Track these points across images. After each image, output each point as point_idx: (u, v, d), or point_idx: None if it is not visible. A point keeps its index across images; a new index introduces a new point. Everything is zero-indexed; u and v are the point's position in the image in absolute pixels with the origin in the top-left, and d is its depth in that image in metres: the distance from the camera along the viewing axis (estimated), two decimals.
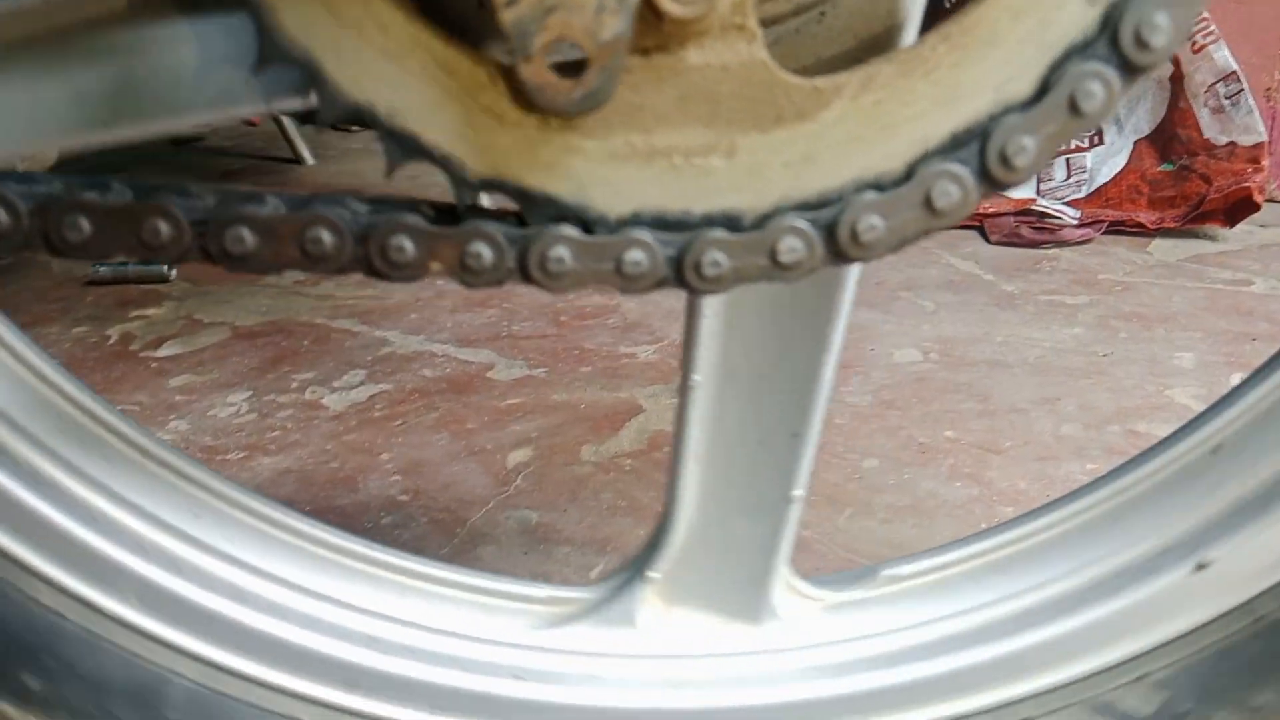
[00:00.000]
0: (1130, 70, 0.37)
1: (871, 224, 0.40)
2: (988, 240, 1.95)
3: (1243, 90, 1.98)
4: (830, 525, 1.12)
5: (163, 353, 1.59)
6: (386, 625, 0.59)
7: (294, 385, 1.46)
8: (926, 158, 0.39)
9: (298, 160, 2.60)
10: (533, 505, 1.20)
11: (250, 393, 1.44)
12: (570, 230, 0.40)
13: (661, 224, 0.41)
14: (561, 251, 0.40)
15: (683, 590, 0.61)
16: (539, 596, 0.61)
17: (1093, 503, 0.59)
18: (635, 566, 0.62)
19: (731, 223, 0.40)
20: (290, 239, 0.40)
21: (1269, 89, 2.09)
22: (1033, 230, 1.95)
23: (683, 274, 0.41)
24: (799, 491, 0.59)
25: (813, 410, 0.57)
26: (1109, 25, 0.37)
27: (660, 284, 0.41)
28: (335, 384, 1.47)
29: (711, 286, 0.41)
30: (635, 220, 0.41)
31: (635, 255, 0.40)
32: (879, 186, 0.40)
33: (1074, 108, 0.38)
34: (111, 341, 1.63)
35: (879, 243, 0.40)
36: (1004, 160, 0.39)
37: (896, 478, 1.19)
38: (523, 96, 0.37)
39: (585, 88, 0.37)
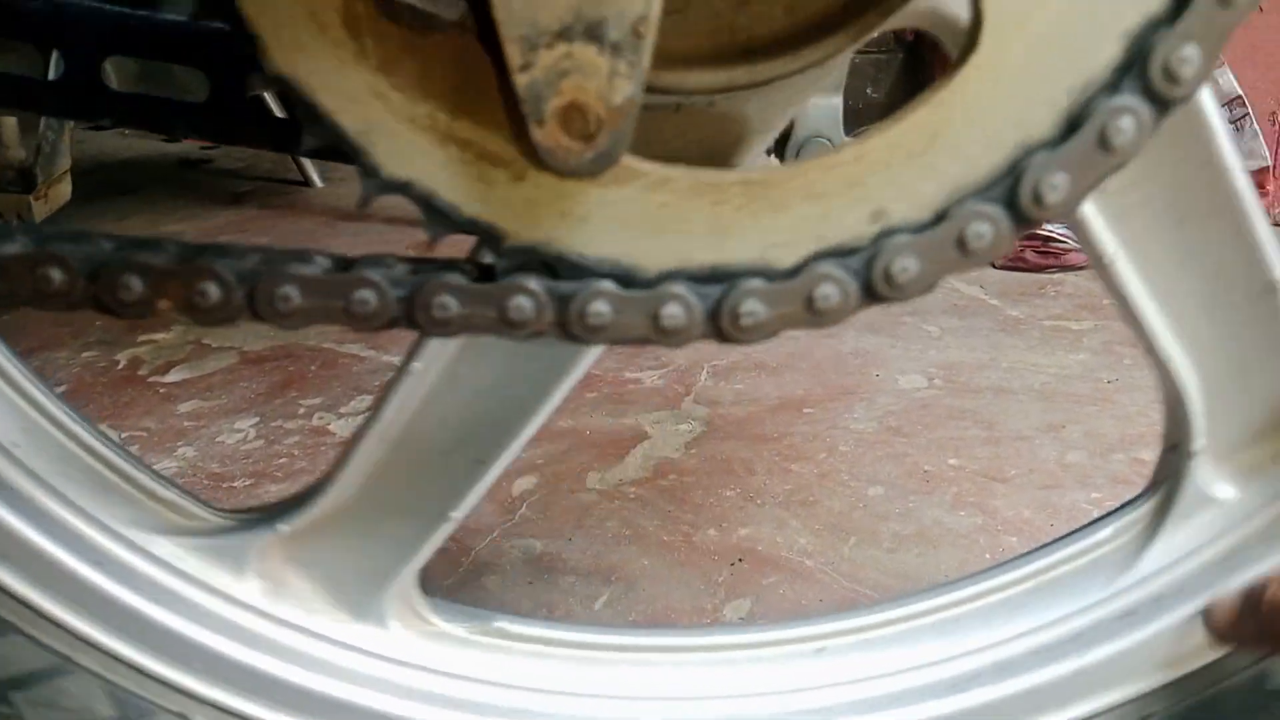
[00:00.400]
0: None
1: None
2: (993, 264, 1.96)
3: (1247, 115, 1.99)
4: (835, 554, 1.12)
5: (171, 378, 1.60)
6: None
7: (301, 411, 1.47)
8: None
9: (306, 183, 2.62)
10: (537, 534, 1.20)
11: (258, 418, 1.45)
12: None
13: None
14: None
15: (303, 555, 0.61)
16: (168, 499, 0.60)
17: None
18: (269, 513, 0.62)
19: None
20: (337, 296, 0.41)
21: (1274, 113, 2.10)
22: (1038, 254, 1.96)
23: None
24: (457, 514, 0.60)
25: (505, 448, 0.58)
26: None
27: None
28: (342, 409, 1.47)
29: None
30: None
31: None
32: None
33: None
34: (120, 366, 1.63)
35: None
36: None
37: (902, 505, 1.19)
38: (537, 158, 0.38)
39: (598, 149, 0.37)
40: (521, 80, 0.36)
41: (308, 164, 2.56)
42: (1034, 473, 1.23)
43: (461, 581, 1.13)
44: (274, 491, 1.27)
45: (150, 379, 1.59)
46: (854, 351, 1.59)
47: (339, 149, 0.39)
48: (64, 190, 0.76)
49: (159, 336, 1.75)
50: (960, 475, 1.24)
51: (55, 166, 0.75)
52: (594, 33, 0.36)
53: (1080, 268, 1.94)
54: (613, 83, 0.37)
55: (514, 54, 0.36)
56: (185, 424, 1.44)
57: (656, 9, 0.36)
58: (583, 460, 1.34)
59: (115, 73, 0.66)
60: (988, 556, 1.10)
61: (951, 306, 1.78)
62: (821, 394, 1.45)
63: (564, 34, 0.36)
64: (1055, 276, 1.91)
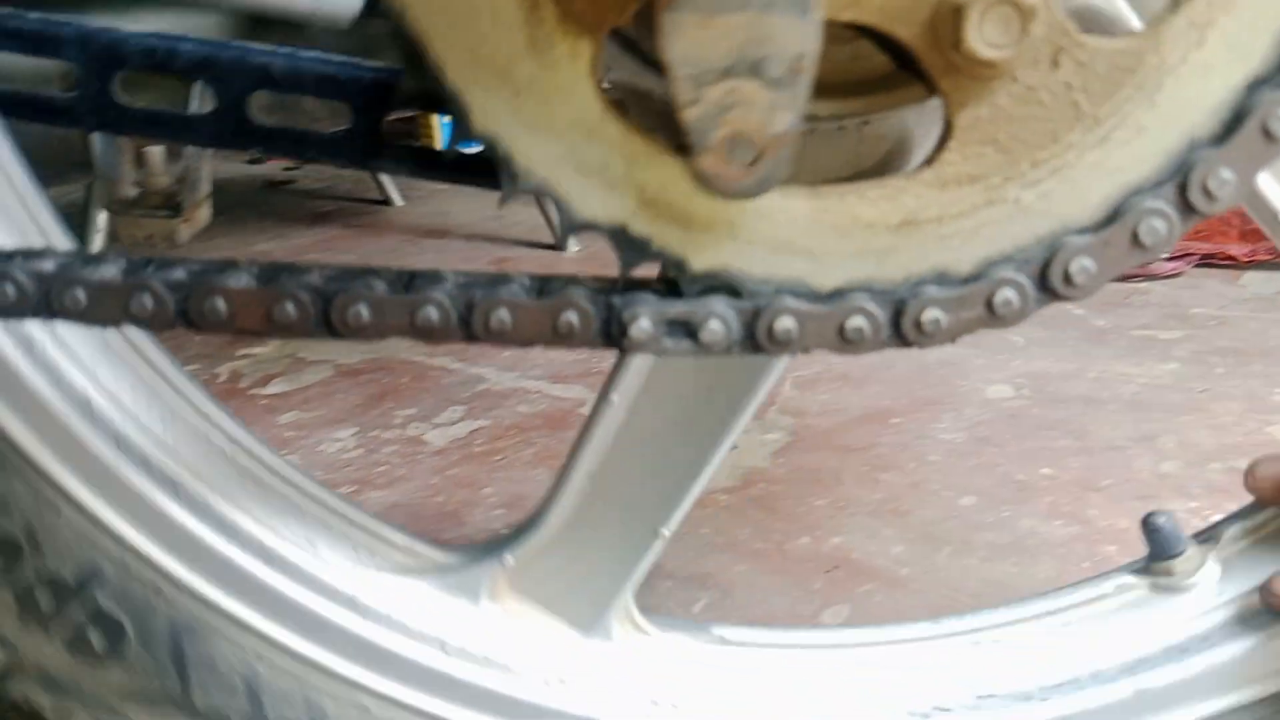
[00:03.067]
0: None
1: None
2: None
3: None
4: (928, 563, 1.13)
5: (271, 390, 1.66)
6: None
7: (397, 421, 1.52)
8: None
9: (386, 201, 2.69)
10: None
11: (356, 428, 1.50)
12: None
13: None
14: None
15: (530, 584, 0.65)
16: (397, 542, 0.65)
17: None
18: (494, 547, 0.66)
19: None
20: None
21: None
22: None
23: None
24: (667, 532, 0.64)
25: (705, 465, 0.62)
26: None
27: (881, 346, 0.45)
28: (436, 420, 1.52)
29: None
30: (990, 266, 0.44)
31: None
32: None
33: None
34: (221, 379, 1.70)
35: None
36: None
37: (995, 515, 1.19)
38: (702, 183, 0.40)
39: (759, 174, 0.40)
40: (689, 114, 0.39)
41: (388, 182, 2.63)
42: (1129, 482, 1.23)
43: None
44: (376, 499, 1.31)
45: (250, 391, 1.66)
46: (938, 361, 1.59)
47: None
48: (205, 213, 0.80)
49: (256, 351, 1.82)
50: (1054, 485, 1.23)
51: (198, 192, 0.80)
52: (756, 69, 0.38)
53: (1166, 276, 1.91)
54: (773, 114, 0.39)
55: (681, 90, 0.39)
56: (287, 434, 1.50)
57: (815, 47, 0.38)
58: None
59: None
60: (1085, 566, 1.10)
61: (1035, 316, 1.77)
62: (907, 404, 1.46)
63: (729, 71, 0.39)
64: (1141, 285, 1.89)
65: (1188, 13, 0.41)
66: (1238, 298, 1.81)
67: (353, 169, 0.68)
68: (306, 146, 0.70)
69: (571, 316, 0.44)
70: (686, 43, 0.38)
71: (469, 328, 0.45)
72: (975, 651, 0.64)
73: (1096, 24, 0.51)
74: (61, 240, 0.61)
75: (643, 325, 0.44)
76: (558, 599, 0.65)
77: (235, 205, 2.76)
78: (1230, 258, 1.93)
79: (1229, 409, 1.40)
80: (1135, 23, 0.51)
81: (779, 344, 0.44)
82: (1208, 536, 0.64)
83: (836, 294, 0.45)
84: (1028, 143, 0.43)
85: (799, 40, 0.38)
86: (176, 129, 0.69)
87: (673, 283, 0.45)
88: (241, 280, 0.46)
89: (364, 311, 0.45)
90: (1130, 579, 0.64)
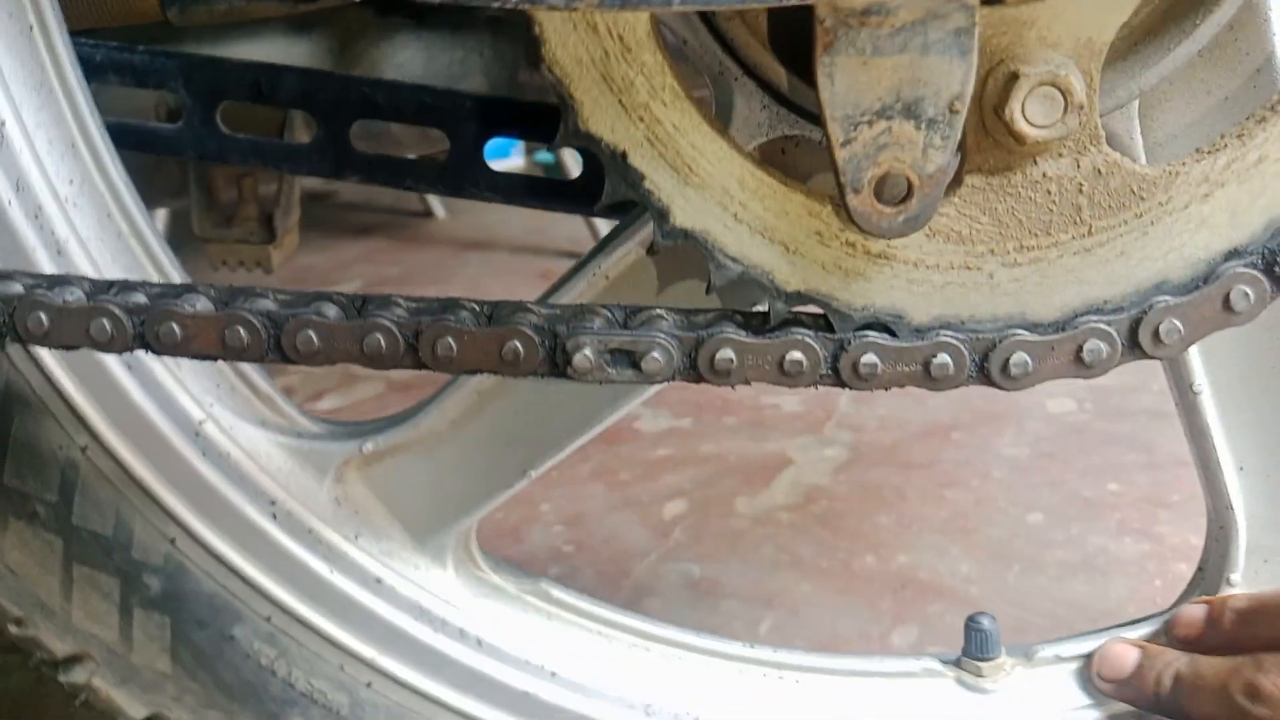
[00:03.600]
0: None
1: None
2: None
3: None
4: (999, 582, 1.12)
5: (324, 404, 1.67)
6: None
7: None
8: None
9: (429, 214, 2.70)
10: (693, 558, 1.23)
11: None
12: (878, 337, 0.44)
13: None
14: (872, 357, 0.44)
15: (380, 477, 0.63)
16: (268, 395, 0.64)
17: None
18: (358, 430, 0.64)
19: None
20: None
21: None
22: None
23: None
24: (534, 474, 0.63)
25: (596, 424, 0.63)
26: None
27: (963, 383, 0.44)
28: None
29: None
30: (941, 326, 0.44)
31: (943, 358, 0.44)
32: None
33: None
34: None
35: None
36: None
37: (1064, 533, 1.18)
38: (852, 223, 0.41)
39: (908, 213, 0.40)
40: (842, 155, 0.39)
41: (430, 195, 2.64)
42: (1198, 498, 1.21)
43: (625, 603, 1.16)
44: None
45: (305, 405, 1.67)
46: None
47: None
48: (295, 238, 0.82)
49: (308, 366, 1.83)
50: (1121, 501, 1.22)
51: (290, 218, 0.81)
52: (912, 111, 0.39)
53: None
54: (926, 154, 0.39)
55: (836, 132, 0.39)
56: None
57: (971, 88, 0.39)
58: (729, 485, 1.36)
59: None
60: (1158, 584, 1.09)
61: None
62: (968, 419, 1.45)
63: (883, 112, 0.39)
64: None
65: (1206, 167, 0.42)
66: None
67: (451, 196, 0.69)
68: (404, 174, 0.71)
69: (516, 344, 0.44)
70: (843, 84, 0.38)
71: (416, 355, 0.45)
72: (772, 686, 0.65)
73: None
74: (174, 273, 0.62)
75: (586, 354, 0.44)
76: (402, 502, 0.63)
77: None
78: None
79: None
80: (1141, 159, 0.52)
81: (719, 374, 0.45)
82: (1024, 651, 0.65)
83: (796, 296, 0.45)
84: (1022, 226, 0.43)
85: (956, 81, 0.38)
86: (279, 158, 0.70)
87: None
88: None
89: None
90: (940, 666, 0.65)
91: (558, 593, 0.65)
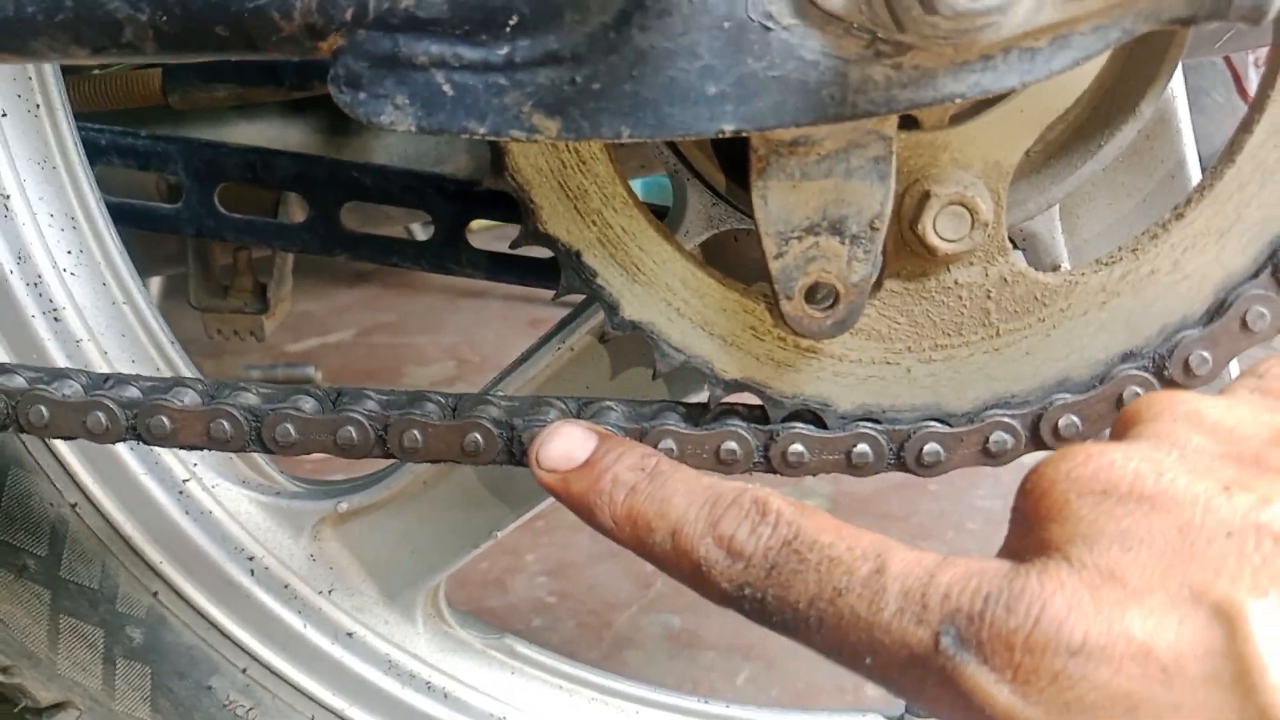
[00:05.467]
0: None
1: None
2: None
3: None
4: None
5: (314, 456, 1.70)
6: None
7: None
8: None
9: None
10: (674, 609, 1.25)
11: None
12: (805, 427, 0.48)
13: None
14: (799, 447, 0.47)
15: (354, 536, 0.66)
16: (261, 465, 0.67)
17: None
18: (334, 490, 0.67)
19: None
20: None
21: None
22: None
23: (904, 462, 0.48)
24: (499, 535, 0.65)
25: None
26: None
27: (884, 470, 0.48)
28: None
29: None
30: (864, 414, 0.48)
31: (863, 447, 0.47)
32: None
33: None
34: None
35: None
36: None
37: None
38: (784, 325, 0.45)
39: (835, 317, 0.44)
40: (775, 266, 0.44)
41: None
42: None
43: (605, 655, 1.19)
44: None
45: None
46: None
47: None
48: (287, 306, 0.86)
49: None
50: None
51: (283, 289, 0.86)
52: (837, 228, 0.43)
53: None
54: (851, 266, 0.43)
55: (769, 245, 0.43)
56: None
57: (890, 207, 0.43)
58: None
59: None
60: None
61: None
62: None
63: (812, 229, 0.43)
64: None
65: (1104, 277, 0.46)
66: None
67: (435, 273, 0.73)
68: (391, 253, 0.75)
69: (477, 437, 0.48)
70: (775, 205, 0.43)
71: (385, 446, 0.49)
72: None
73: (1033, 248, 0.55)
74: (164, 338, 0.66)
75: None
76: (375, 561, 0.66)
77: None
78: None
79: None
80: (1064, 261, 0.56)
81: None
82: None
83: (734, 384, 0.48)
84: (937, 326, 0.47)
85: (876, 202, 0.42)
86: (273, 236, 0.74)
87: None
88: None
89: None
90: None
91: (522, 648, 0.68)
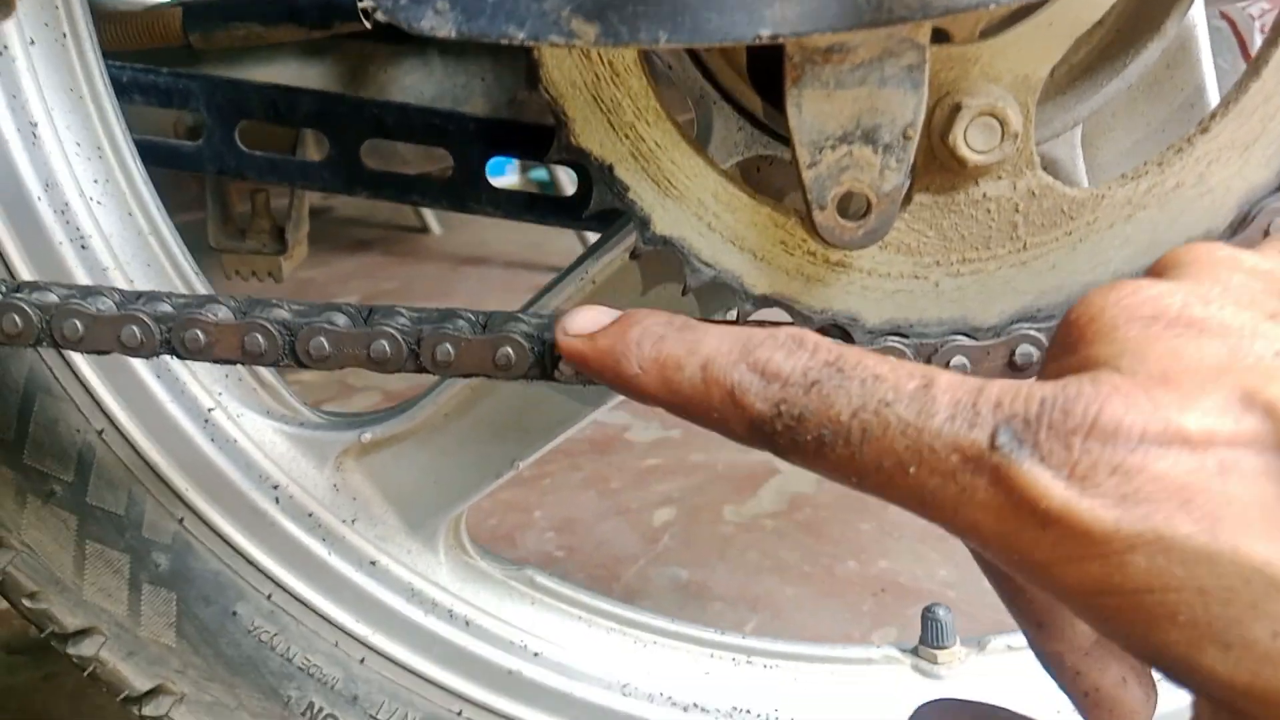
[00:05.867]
0: None
1: None
2: None
3: None
4: (977, 586, 1.15)
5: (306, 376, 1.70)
6: None
7: None
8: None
9: (424, 229, 2.75)
10: (681, 563, 1.27)
11: None
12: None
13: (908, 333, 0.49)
14: None
15: (377, 466, 0.67)
16: (272, 385, 0.68)
17: None
18: (357, 421, 0.68)
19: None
20: None
21: None
22: None
23: None
24: (521, 465, 0.66)
25: (580, 417, 0.65)
26: None
27: None
28: None
29: None
30: (892, 329, 0.49)
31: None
32: None
33: None
34: None
35: None
36: None
37: None
38: (817, 236, 0.45)
39: (867, 227, 0.45)
40: (808, 175, 0.44)
41: (426, 211, 2.69)
42: None
43: None
44: None
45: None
46: None
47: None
48: (304, 249, 0.86)
49: (305, 377, 1.87)
50: None
51: (300, 231, 0.86)
52: (870, 137, 0.44)
53: None
54: (883, 175, 0.44)
55: (803, 155, 0.44)
56: None
57: (922, 116, 0.43)
58: (718, 493, 1.41)
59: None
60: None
61: None
62: None
63: (845, 138, 0.44)
64: None
65: (1129, 190, 0.47)
66: None
67: (455, 211, 0.74)
68: (412, 191, 0.75)
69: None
70: (809, 114, 0.43)
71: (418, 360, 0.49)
72: (743, 670, 0.69)
73: (1053, 172, 0.55)
74: (190, 271, 0.67)
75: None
76: (398, 490, 0.67)
77: None
78: None
79: None
80: (1084, 183, 0.56)
81: None
82: (977, 641, 0.70)
83: (763, 299, 0.49)
84: (965, 240, 0.48)
85: (909, 111, 0.43)
86: (294, 175, 0.75)
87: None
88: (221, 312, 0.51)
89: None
90: (898, 654, 0.70)
91: (542, 579, 0.69)
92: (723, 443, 1.42)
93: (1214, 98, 0.57)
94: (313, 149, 0.81)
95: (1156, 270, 0.36)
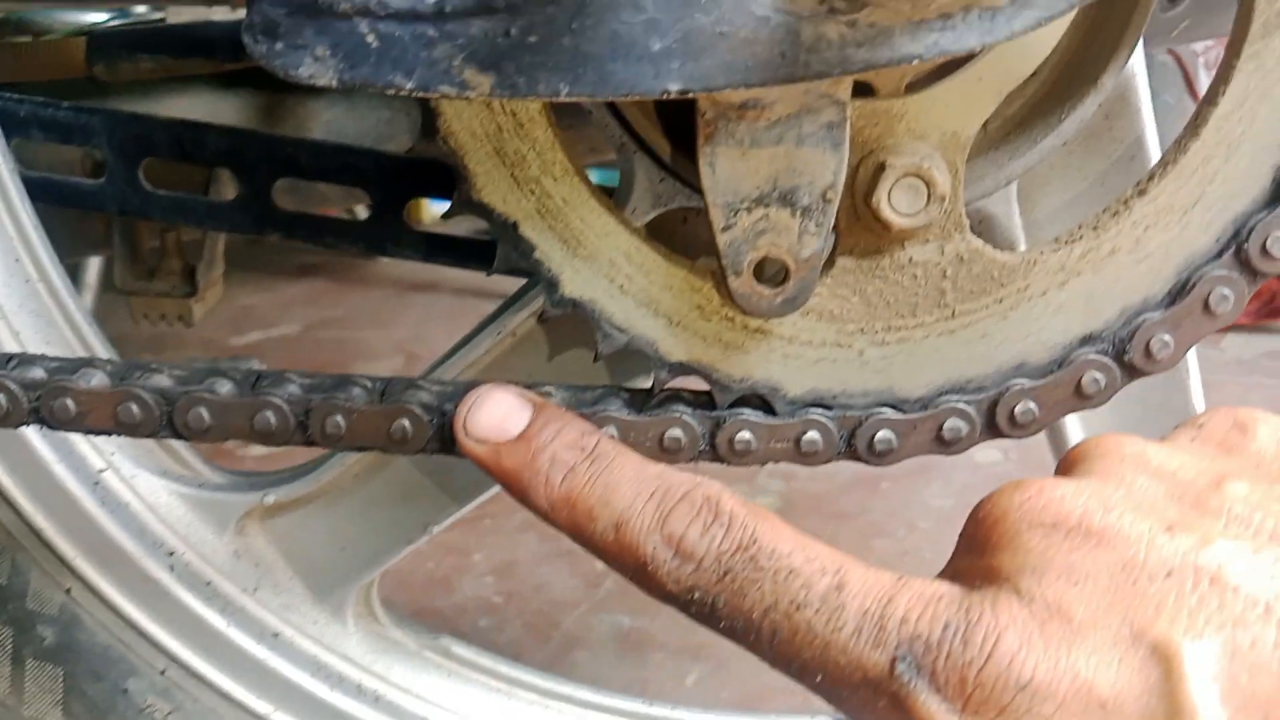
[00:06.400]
0: None
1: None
2: None
3: None
4: None
5: (255, 451, 1.65)
6: None
7: None
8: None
9: (372, 255, 2.70)
10: (623, 609, 1.23)
11: None
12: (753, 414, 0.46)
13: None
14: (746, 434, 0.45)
15: (281, 530, 0.63)
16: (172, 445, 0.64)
17: None
18: (260, 481, 0.64)
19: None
20: None
21: None
22: None
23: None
24: (435, 530, 0.63)
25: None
26: None
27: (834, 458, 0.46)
28: None
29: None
30: (815, 400, 0.46)
31: (813, 435, 0.45)
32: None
33: None
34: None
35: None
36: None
37: None
38: (732, 302, 0.42)
39: (785, 295, 0.42)
40: (723, 239, 0.41)
41: None
42: None
43: (553, 655, 1.16)
44: None
45: (239, 453, 1.65)
46: None
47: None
48: (218, 291, 0.82)
49: None
50: None
51: (213, 272, 0.82)
52: (788, 199, 0.41)
53: None
54: (802, 240, 0.41)
55: (717, 217, 0.41)
56: None
57: (842, 178, 0.41)
58: None
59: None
60: None
61: None
62: (897, 469, 1.47)
63: (761, 200, 0.41)
64: None
65: (1063, 256, 0.44)
66: (1219, 361, 1.85)
67: (371, 254, 0.70)
68: (326, 232, 0.71)
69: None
70: (723, 173, 0.40)
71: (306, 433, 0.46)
72: None
73: (988, 229, 0.53)
74: (81, 320, 0.63)
75: None
76: (304, 556, 0.63)
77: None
78: None
79: None
80: (1020, 239, 0.54)
81: None
82: None
83: (680, 367, 0.46)
84: (890, 307, 0.45)
85: (829, 172, 0.40)
86: (201, 215, 0.71)
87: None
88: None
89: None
90: None
91: (459, 649, 0.65)
92: None
93: (1155, 151, 0.55)
94: (229, 187, 0.77)
95: (1068, 462, 0.37)
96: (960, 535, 0.36)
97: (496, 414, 0.41)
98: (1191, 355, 0.60)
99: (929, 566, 1.15)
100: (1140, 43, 0.51)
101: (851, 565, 0.34)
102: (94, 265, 1.68)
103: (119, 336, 0.65)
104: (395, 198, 0.69)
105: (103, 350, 0.63)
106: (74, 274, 1.77)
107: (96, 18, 0.81)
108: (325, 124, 0.77)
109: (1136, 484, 0.34)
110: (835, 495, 1.42)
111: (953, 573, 0.35)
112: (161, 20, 0.79)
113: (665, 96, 0.37)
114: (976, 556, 0.34)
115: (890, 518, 1.35)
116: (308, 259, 2.76)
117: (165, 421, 0.46)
